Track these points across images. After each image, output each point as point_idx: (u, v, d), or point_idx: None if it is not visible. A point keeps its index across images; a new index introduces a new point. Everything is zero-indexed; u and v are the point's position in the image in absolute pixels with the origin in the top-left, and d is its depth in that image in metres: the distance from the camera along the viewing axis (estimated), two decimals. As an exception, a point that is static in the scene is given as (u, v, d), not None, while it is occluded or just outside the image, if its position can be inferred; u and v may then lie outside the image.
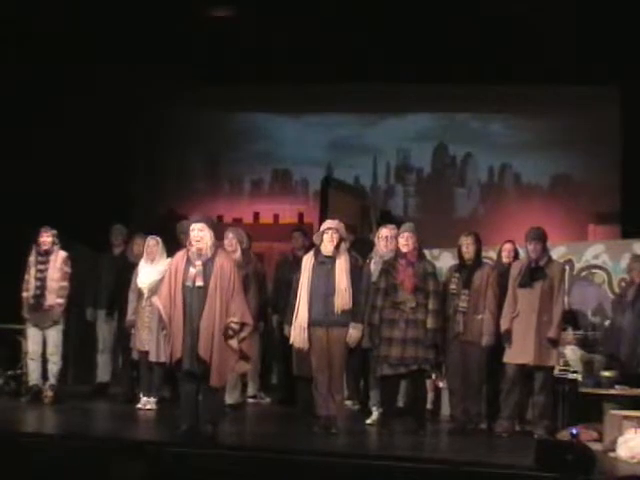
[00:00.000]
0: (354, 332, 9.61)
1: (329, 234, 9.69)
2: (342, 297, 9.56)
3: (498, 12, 12.73)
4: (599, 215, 15.32)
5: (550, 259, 10.11)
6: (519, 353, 9.83)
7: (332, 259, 9.65)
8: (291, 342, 9.91)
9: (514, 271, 10.10)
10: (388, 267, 10.12)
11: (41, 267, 11.32)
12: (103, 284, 12.28)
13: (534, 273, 9.93)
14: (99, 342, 12.37)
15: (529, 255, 10.05)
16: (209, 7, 13.80)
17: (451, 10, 12.80)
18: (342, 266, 9.62)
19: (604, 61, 13.41)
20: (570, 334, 10.79)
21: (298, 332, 9.69)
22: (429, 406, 11.00)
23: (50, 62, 14.02)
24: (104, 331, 12.32)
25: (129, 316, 11.39)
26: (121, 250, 12.37)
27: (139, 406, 11.07)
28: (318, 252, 9.76)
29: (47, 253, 11.35)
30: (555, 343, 9.88)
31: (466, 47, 13.51)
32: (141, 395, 11.20)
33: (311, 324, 9.63)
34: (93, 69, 14.41)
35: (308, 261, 9.81)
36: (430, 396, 11.11)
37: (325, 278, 9.61)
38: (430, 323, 9.87)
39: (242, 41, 14.10)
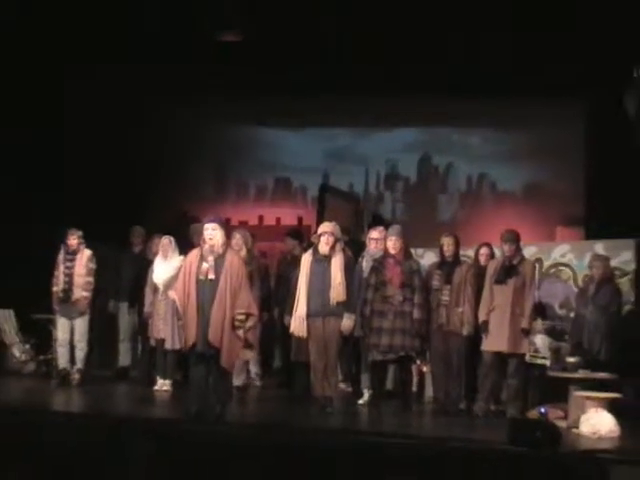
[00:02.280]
0: (347, 322, 9.66)
1: (325, 237, 9.74)
2: (337, 291, 9.61)
3: (477, 40, 12.76)
4: (565, 219, 15.34)
5: (523, 258, 10.14)
6: (495, 342, 9.88)
7: (328, 258, 9.70)
8: (291, 331, 9.96)
9: (490, 269, 10.14)
10: (378, 265, 10.17)
11: (69, 264, 11.36)
12: (124, 279, 12.30)
13: (508, 271, 9.97)
14: (120, 331, 12.38)
15: (504, 255, 10.10)
16: (218, 32, 13.77)
17: (436, 38, 12.83)
18: (337, 264, 9.68)
19: (571, 82, 13.44)
20: (539, 324, 10.81)
21: (298, 322, 9.74)
22: (414, 389, 11.02)
23: (78, 78, 13.99)
24: (125, 321, 12.34)
25: (146, 308, 11.45)
26: (140, 249, 12.39)
27: (156, 388, 11.13)
28: (316, 251, 9.81)
29: (74, 252, 11.39)
30: (527, 333, 9.92)
31: (448, 70, 13.54)
32: (157, 378, 11.25)
33: (309, 315, 9.68)
34: (116, 86, 14.41)
35: (307, 259, 9.86)
36: (415, 380, 11.12)
37: (322, 275, 9.66)
38: (416, 315, 9.92)
39: (247, 62, 14.11)
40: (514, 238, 10.10)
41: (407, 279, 9.97)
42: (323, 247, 9.74)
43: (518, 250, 10.11)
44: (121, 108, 14.69)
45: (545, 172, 16.02)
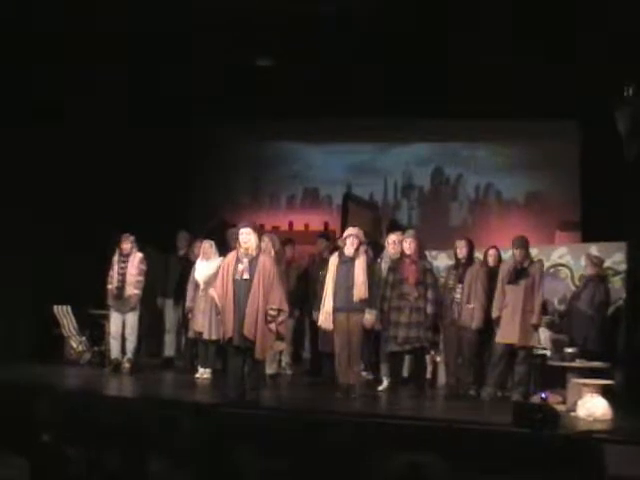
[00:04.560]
0: (369, 317, 9.63)
1: (350, 239, 9.73)
2: (359, 289, 9.58)
3: (483, 69, 12.74)
4: (563, 223, 15.23)
5: (531, 261, 10.08)
6: (507, 335, 9.83)
7: (352, 259, 9.67)
8: (319, 324, 9.95)
9: (503, 271, 10.09)
10: (395, 265, 10.16)
11: (122, 265, 11.42)
12: (170, 279, 12.32)
13: (519, 273, 9.93)
14: (166, 324, 12.40)
15: (515, 259, 10.04)
16: (253, 57, 13.76)
17: (449, 63, 12.80)
18: (360, 264, 9.65)
19: (567, 102, 13.37)
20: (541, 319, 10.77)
21: (325, 317, 9.73)
22: (428, 376, 11.00)
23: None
24: (170, 316, 12.36)
25: (188, 303, 11.46)
26: (184, 251, 12.41)
27: (197, 376, 11.13)
28: (342, 253, 9.80)
29: (127, 254, 11.46)
30: (536, 328, 9.90)
31: (459, 92, 13.49)
32: (199, 367, 11.25)
33: (335, 310, 9.66)
34: (168, 120, 14.46)
35: (333, 260, 9.84)
36: (429, 368, 11.10)
37: (346, 274, 9.63)
38: (429, 310, 9.91)
39: (278, 86, 14.11)
40: (524, 244, 10.06)
41: (421, 277, 9.96)
42: (349, 249, 9.72)
43: (527, 254, 10.07)
44: (172, 131, 14.74)
45: (544, 182, 15.95)
